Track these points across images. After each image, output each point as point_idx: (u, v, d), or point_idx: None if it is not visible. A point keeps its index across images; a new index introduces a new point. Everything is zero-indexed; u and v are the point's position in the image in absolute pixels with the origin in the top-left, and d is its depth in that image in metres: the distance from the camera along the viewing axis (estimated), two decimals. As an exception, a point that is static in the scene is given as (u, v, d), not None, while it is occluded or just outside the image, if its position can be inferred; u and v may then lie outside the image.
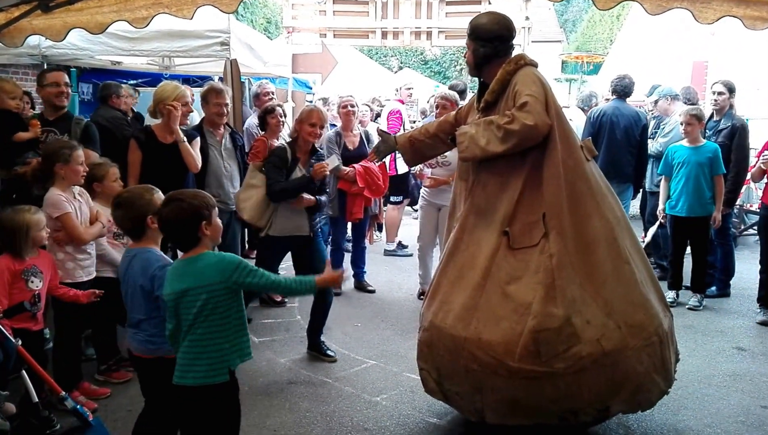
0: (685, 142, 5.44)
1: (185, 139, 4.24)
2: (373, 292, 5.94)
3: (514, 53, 3.20)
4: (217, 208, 2.47)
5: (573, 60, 12.87)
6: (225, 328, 2.35)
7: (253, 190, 4.25)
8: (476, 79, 3.43)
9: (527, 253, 2.91)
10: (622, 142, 5.95)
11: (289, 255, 4.48)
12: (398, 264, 6.90)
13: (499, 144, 2.93)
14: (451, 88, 7.42)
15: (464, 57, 3.43)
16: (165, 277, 2.46)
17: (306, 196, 4.23)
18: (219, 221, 2.46)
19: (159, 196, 2.73)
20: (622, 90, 6.13)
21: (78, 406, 3.20)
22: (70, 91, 4.33)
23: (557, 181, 2.94)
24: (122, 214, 2.71)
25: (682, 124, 5.39)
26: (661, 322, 3.04)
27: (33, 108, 5.40)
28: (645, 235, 6.42)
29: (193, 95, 5.66)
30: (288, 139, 4.47)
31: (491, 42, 3.14)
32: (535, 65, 3.12)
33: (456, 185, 3.49)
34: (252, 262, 2.56)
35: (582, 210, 2.95)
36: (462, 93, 7.14)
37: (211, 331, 2.33)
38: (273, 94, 6.58)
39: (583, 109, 7.58)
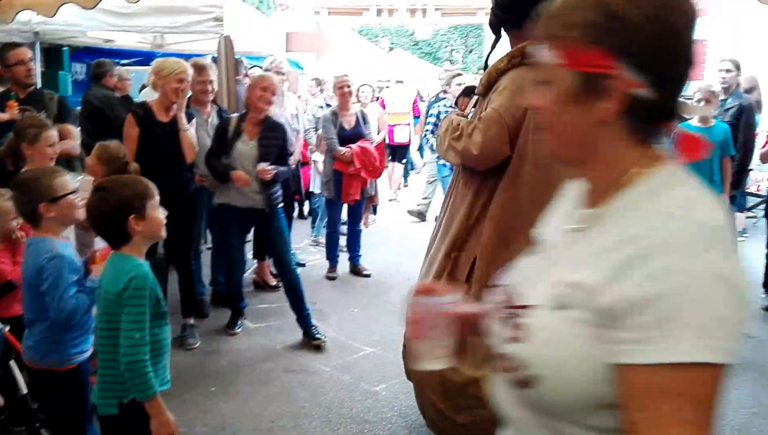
0: (694, 122, 5.20)
1: (188, 127, 4.14)
2: (369, 276, 5.79)
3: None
4: (157, 198, 2.16)
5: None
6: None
7: None
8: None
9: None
10: None
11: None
12: (395, 247, 6.75)
13: (450, 153, 2.61)
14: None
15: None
16: (55, 271, 2.23)
17: (262, 167, 4.12)
18: (158, 214, 2.15)
19: (62, 180, 2.42)
20: None
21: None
22: (33, 65, 4.26)
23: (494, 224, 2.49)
24: (17, 196, 2.45)
25: (699, 101, 5.11)
26: None
27: None
28: None
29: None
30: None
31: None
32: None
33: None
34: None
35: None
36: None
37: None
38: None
39: None
